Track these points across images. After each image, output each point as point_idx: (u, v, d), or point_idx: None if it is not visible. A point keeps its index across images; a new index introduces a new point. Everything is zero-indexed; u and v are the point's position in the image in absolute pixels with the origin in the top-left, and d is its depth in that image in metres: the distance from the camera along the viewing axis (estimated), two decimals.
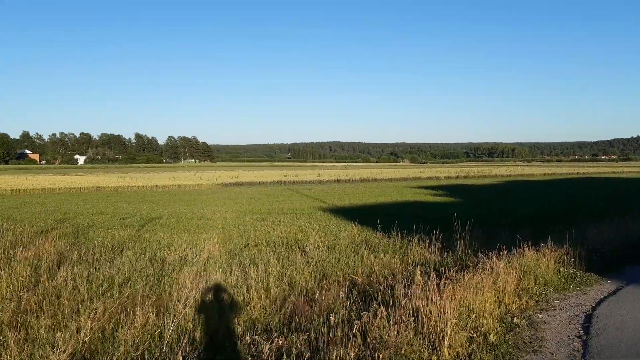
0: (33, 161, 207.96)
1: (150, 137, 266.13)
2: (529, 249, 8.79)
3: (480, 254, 9.47)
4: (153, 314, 7.24)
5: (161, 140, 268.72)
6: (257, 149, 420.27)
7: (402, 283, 7.22)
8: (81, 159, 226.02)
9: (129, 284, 9.28)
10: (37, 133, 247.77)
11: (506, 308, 6.63)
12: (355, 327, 5.25)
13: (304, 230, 17.02)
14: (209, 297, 8.20)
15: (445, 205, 29.51)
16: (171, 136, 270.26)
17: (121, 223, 20.47)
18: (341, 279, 10.38)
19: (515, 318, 6.36)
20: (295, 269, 10.86)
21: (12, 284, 8.42)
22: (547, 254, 8.49)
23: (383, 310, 5.53)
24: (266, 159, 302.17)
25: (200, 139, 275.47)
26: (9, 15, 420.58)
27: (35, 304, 7.50)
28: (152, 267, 10.70)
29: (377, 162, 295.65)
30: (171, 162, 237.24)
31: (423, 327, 5.34)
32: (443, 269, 9.29)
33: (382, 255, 12.36)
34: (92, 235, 16.32)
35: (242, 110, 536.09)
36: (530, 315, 6.55)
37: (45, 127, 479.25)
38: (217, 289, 8.91)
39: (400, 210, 25.67)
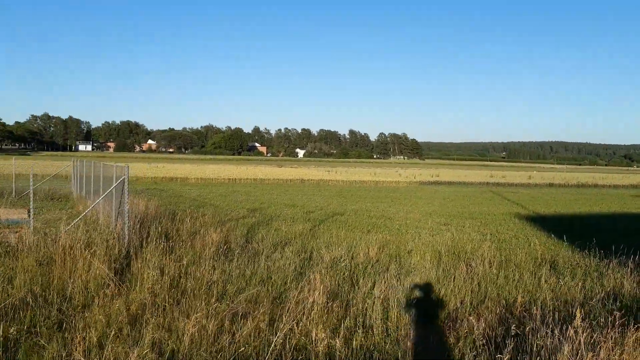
0: (261, 153, 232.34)
1: (363, 134, 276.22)
2: None
3: None
4: (265, 322, 6.74)
5: (373, 137, 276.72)
6: (470, 147, 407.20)
7: (555, 325, 5.51)
8: (301, 153, 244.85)
9: (269, 283, 8.98)
10: (265, 128, 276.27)
11: None
12: None
13: (482, 239, 15.19)
14: (331, 310, 7.39)
15: None
16: (382, 133, 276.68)
17: (305, 216, 20.84)
18: (503, 303, 8.72)
19: None
20: (452, 286, 9.50)
21: (156, 275, 8.62)
22: None
23: None
24: (477, 158, 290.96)
25: (411, 136, 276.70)
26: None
27: (163, 298, 7.51)
28: (300, 267, 10.32)
29: (606, 165, 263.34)
30: (380, 158, 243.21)
31: None
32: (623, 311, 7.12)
33: (567, 278, 10.24)
34: (271, 227, 16.70)
35: (455, 108, 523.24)
36: None
37: (273, 123, 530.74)
38: (348, 303, 8.08)
39: (614, 224, 21.82)
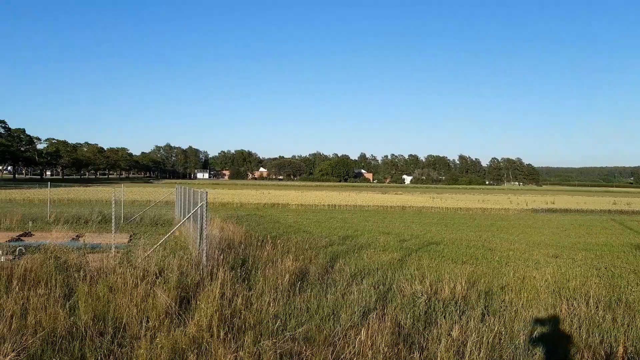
0: (367, 180, 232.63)
1: (474, 159, 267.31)
2: None
3: None
4: None
5: (485, 162, 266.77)
6: (593, 172, 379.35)
7: None
8: (408, 179, 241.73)
9: (333, 319, 8.28)
10: (372, 154, 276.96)
11: None
12: None
13: (592, 273, 13.37)
14: (394, 356, 6.53)
15: None
16: (494, 158, 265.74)
17: (397, 245, 19.90)
18: (603, 354, 7.31)
19: None
20: (546, 329, 8.24)
21: (217, 306, 8.29)
22: None
23: None
24: (601, 184, 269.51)
25: (526, 161, 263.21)
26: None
27: (217, 333, 7.10)
28: (374, 302, 9.51)
29: None
30: (493, 185, 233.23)
31: None
32: None
33: None
34: (357, 256, 16.01)
35: (576, 129, 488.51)
36: None
37: (380, 149, 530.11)
38: (420, 347, 7.14)
39: None
